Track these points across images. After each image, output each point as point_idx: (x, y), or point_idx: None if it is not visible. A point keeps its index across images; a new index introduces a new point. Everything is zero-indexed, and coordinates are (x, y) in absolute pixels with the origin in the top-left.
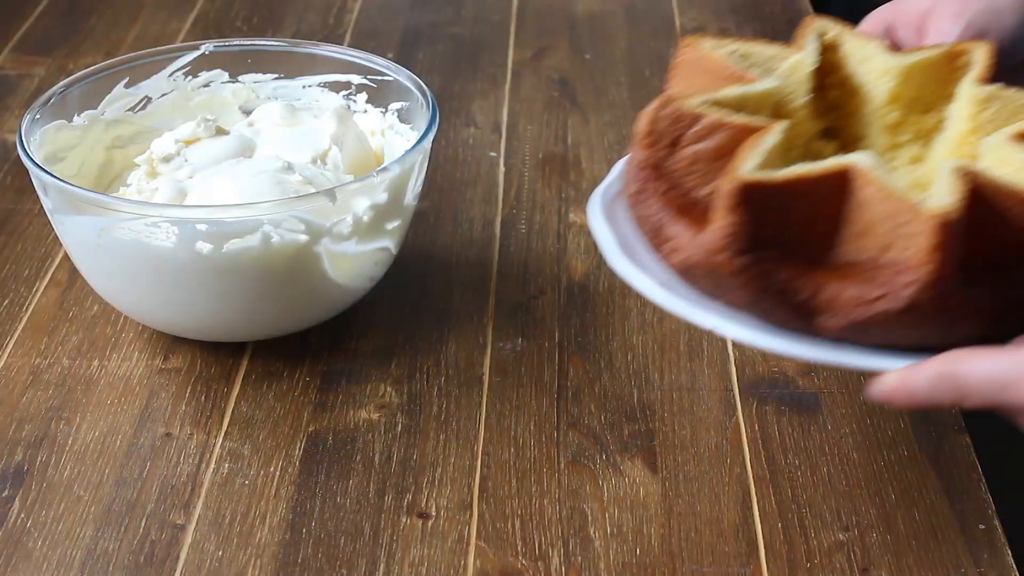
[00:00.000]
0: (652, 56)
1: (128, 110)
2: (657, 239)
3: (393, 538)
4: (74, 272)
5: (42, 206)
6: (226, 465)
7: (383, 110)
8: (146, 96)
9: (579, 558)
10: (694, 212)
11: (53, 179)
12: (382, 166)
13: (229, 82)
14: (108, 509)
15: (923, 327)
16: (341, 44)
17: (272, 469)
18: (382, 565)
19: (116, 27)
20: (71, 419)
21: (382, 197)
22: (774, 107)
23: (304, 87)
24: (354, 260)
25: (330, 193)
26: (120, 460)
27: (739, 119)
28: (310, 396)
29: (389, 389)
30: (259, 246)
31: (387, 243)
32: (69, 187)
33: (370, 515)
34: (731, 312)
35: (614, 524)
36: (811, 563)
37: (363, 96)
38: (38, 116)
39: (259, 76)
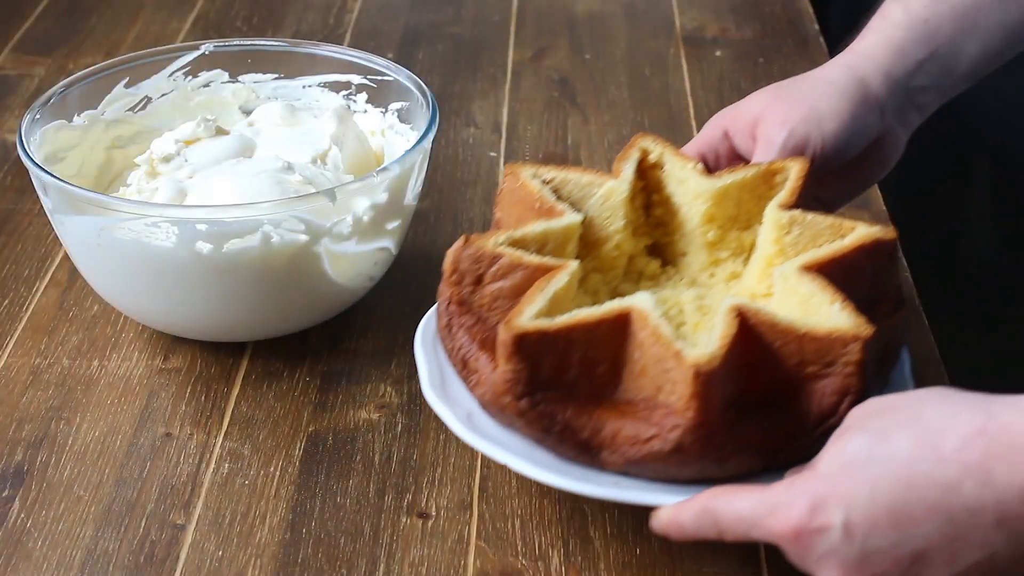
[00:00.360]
0: (652, 56)
1: (128, 110)
2: (465, 371)
3: (393, 538)
4: (74, 272)
5: (42, 206)
6: (226, 465)
7: (383, 110)
8: (146, 96)
9: (579, 558)
10: (497, 346)
11: (53, 179)
12: (382, 166)
13: (229, 82)
14: (108, 509)
15: (695, 464)
16: (341, 44)
17: (272, 469)
18: (382, 565)
19: (116, 27)
20: (71, 419)
21: (382, 197)
22: (587, 234)
23: (304, 87)
24: (354, 260)
25: (330, 193)
26: (120, 460)
27: (533, 259)
28: (310, 396)
29: (389, 389)
30: (259, 246)
31: (387, 243)
32: (69, 187)
33: (370, 515)
34: (528, 444)
35: (614, 524)
36: None
37: (363, 96)
38: (38, 116)
39: (259, 76)
